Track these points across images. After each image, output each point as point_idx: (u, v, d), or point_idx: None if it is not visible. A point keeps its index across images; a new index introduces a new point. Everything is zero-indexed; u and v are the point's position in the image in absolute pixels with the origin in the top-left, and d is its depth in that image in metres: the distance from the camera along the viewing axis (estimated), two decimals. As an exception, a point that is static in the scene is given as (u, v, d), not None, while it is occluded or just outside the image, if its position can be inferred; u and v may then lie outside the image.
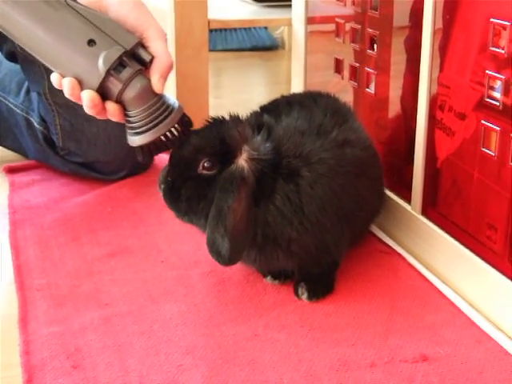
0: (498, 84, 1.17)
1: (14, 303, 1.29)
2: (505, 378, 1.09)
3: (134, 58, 1.18)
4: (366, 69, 1.58)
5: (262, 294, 1.32)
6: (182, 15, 1.87)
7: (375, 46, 1.54)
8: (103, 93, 1.17)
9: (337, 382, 1.08)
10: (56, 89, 1.73)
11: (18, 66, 1.87)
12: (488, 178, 1.22)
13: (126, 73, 1.16)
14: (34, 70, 1.77)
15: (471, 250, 1.28)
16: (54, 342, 1.17)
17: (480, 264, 1.25)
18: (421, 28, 1.34)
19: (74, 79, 1.17)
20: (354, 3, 1.62)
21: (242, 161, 1.19)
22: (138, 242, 1.51)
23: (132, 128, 1.20)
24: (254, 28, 3.45)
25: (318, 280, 1.31)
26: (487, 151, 1.21)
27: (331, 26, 1.73)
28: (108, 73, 1.15)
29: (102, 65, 1.15)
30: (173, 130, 1.20)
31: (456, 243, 1.31)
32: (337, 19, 1.70)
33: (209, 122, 1.27)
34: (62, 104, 1.76)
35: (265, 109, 1.45)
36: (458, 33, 1.27)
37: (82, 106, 1.69)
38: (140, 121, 1.18)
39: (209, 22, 1.95)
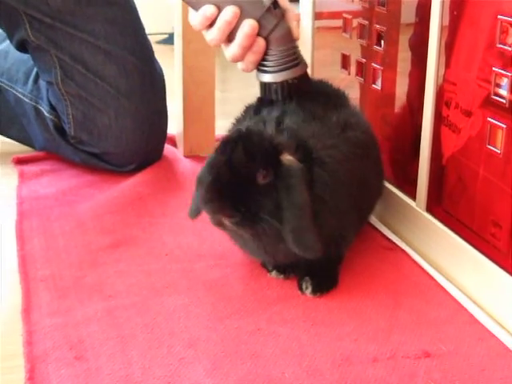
0: (505, 81, 1.17)
1: (18, 293, 1.29)
2: (507, 376, 1.09)
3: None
4: (373, 65, 1.58)
5: (266, 288, 1.32)
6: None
7: (382, 42, 1.54)
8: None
9: (339, 376, 1.08)
10: (68, 79, 1.76)
11: (25, 56, 1.88)
12: (493, 176, 1.22)
13: (279, 11, 1.28)
14: (46, 59, 1.77)
15: (475, 247, 1.28)
16: (57, 332, 1.17)
17: (484, 261, 1.25)
18: (427, 24, 1.34)
19: (238, 8, 1.25)
20: (361, -1, 1.62)
21: (288, 157, 1.20)
22: (142, 233, 1.51)
23: (265, 66, 1.31)
24: (262, 23, 3.44)
25: (322, 275, 1.31)
26: (493, 149, 1.21)
27: (338, 22, 1.73)
28: (269, 6, 1.26)
29: None
30: (295, 79, 1.32)
31: (460, 240, 1.31)
32: (344, 15, 1.70)
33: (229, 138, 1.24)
34: (75, 94, 1.76)
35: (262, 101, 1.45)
36: (465, 29, 1.26)
37: (96, 96, 1.71)
38: (276, 60, 1.29)
39: (216, 16, 1.94)
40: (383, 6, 1.52)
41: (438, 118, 1.36)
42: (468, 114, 1.27)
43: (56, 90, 1.78)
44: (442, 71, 1.33)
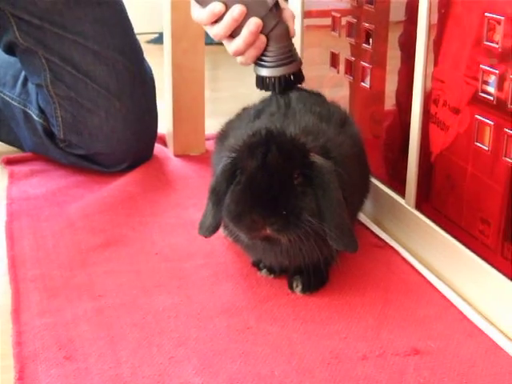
0: (492, 78, 1.17)
1: (8, 294, 1.29)
2: (496, 372, 1.10)
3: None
4: (362, 63, 1.58)
5: (255, 286, 1.32)
6: (179, 8, 1.86)
7: (371, 41, 1.54)
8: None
9: (328, 374, 1.08)
10: (58, 80, 1.76)
11: (12, 59, 1.87)
12: (481, 173, 1.22)
13: (279, 12, 1.37)
14: (34, 62, 1.77)
15: (464, 244, 1.28)
16: (47, 332, 1.17)
17: (473, 258, 1.25)
18: (415, 22, 1.34)
19: (244, 7, 1.33)
20: (350, -3, 1.62)
21: (317, 158, 1.19)
22: (132, 232, 1.51)
23: (264, 61, 1.39)
24: (252, 22, 3.44)
25: (313, 273, 1.30)
26: (481, 146, 1.21)
27: (327, 20, 1.73)
28: (272, 6, 1.34)
29: None
30: (292, 75, 1.41)
31: (449, 237, 1.31)
32: (333, 13, 1.70)
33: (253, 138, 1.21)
34: (65, 96, 1.76)
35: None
36: (453, 27, 1.27)
37: (86, 97, 1.71)
38: (274, 56, 1.38)
39: (206, 15, 1.94)
40: (371, 4, 1.52)
41: (427, 116, 1.36)
42: (456, 111, 1.27)
43: (45, 92, 1.77)
44: (431, 69, 1.33)
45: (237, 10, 1.33)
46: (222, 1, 1.34)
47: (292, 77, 1.41)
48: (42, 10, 1.73)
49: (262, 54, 1.39)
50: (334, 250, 1.23)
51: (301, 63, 1.44)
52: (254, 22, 1.34)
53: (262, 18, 1.35)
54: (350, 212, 1.26)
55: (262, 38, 1.37)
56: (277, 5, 1.37)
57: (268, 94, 1.47)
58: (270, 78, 1.41)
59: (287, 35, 1.39)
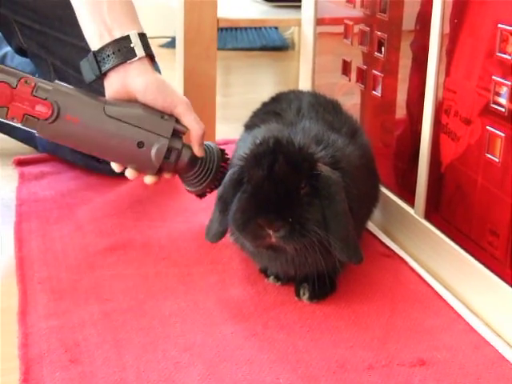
0: (504, 90, 1.17)
1: (15, 295, 1.29)
2: (502, 385, 1.09)
3: (173, 134, 1.34)
4: (374, 71, 1.58)
5: (263, 293, 1.32)
6: (192, 13, 1.87)
7: (383, 49, 1.54)
8: (159, 171, 1.37)
9: (334, 383, 1.08)
10: (63, 82, 1.76)
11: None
12: (492, 184, 1.22)
13: (173, 155, 1.34)
14: (41, 64, 1.80)
15: (473, 255, 1.28)
16: (53, 335, 1.17)
17: (481, 270, 1.25)
18: (428, 32, 1.34)
19: (135, 171, 1.37)
20: (363, 5, 1.62)
21: (324, 169, 1.19)
22: (140, 236, 1.51)
23: (190, 181, 1.41)
24: (265, 28, 3.45)
25: (320, 281, 1.29)
26: (492, 157, 1.21)
27: (340, 28, 1.73)
28: (161, 162, 1.33)
29: (155, 160, 1.33)
30: (219, 170, 1.40)
31: (458, 248, 1.31)
32: (346, 21, 1.70)
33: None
34: None
35: (267, 106, 1.46)
36: (466, 38, 1.26)
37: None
38: (194, 179, 1.40)
39: (218, 21, 1.95)
40: (384, 12, 1.52)
41: (438, 126, 1.36)
42: (467, 122, 1.27)
43: None
44: (442, 79, 1.33)
45: (129, 174, 1.38)
46: (120, 163, 1.39)
47: (210, 189, 1.43)
48: (41, 16, 1.76)
49: (185, 178, 1.42)
50: (338, 260, 1.23)
51: (218, 151, 1.43)
52: (148, 181, 1.38)
53: (159, 168, 1.35)
54: (358, 222, 1.26)
55: (168, 176, 1.40)
56: (169, 150, 1.34)
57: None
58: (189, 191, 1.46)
59: (194, 160, 1.38)
